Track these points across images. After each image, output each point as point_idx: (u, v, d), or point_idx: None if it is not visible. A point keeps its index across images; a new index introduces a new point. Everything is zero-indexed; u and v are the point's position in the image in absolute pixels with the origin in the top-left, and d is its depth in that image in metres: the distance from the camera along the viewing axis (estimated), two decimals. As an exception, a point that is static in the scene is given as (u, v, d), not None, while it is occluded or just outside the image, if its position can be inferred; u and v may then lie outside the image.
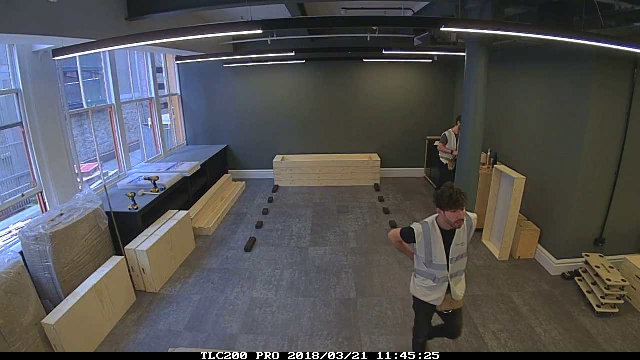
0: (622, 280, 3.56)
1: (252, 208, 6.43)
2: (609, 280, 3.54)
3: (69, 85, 6.17)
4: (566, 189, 4.15)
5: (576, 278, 4.06)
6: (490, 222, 5.06)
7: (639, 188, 4.05)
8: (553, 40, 2.72)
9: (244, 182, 7.64)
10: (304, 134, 8.03)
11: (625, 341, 3.30)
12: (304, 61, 7.43)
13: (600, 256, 3.96)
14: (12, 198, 3.74)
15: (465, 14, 3.28)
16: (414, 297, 2.75)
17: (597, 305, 3.61)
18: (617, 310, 3.59)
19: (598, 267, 3.75)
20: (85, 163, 7.48)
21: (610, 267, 3.75)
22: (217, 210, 6.16)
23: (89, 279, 3.49)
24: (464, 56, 3.68)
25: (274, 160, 7.71)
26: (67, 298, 3.21)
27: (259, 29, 2.55)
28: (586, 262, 3.95)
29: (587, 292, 3.81)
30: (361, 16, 4.88)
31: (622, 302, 3.59)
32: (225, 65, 7.51)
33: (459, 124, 5.20)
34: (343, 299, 4.00)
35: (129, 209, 4.35)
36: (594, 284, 3.75)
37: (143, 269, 4.00)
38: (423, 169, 8.29)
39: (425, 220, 2.54)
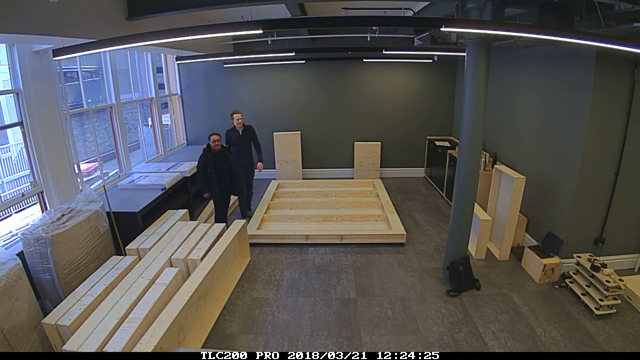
0: (620, 279, 3.54)
1: (252, 208, 6.42)
2: (608, 281, 3.51)
3: (69, 85, 6.18)
4: (566, 188, 4.16)
5: (567, 280, 4.00)
6: (490, 222, 5.05)
7: (639, 188, 4.05)
8: (553, 40, 2.72)
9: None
10: (303, 133, 8.02)
11: (625, 341, 3.30)
12: (304, 61, 7.42)
13: (590, 256, 3.92)
14: (12, 197, 3.75)
15: (465, 14, 3.27)
16: None
17: (596, 308, 3.57)
18: (614, 311, 3.58)
19: (592, 268, 3.69)
20: (85, 163, 7.48)
21: (603, 264, 3.71)
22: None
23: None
24: (464, 56, 3.68)
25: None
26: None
27: (259, 29, 2.55)
28: (578, 263, 3.91)
29: (582, 294, 3.76)
30: (361, 16, 4.88)
31: (619, 301, 3.57)
32: (225, 65, 7.51)
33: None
34: (343, 298, 4.00)
35: None
36: (589, 285, 3.71)
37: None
38: (423, 168, 8.29)
39: None
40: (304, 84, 7.84)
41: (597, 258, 3.82)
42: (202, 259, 3.84)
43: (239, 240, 4.62)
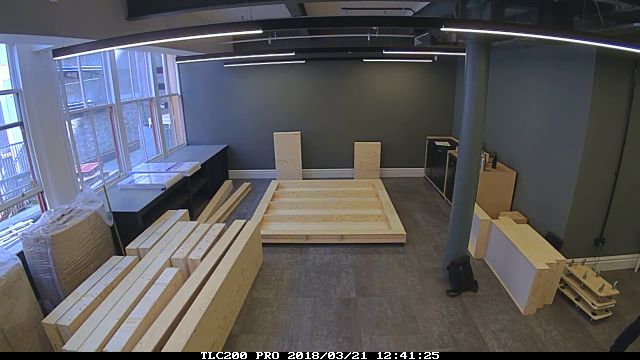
0: (612, 288, 3.48)
1: (252, 208, 6.43)
2: (600, 291, 3.44)
3: (69, 85, 6.18)
4: (566, 188, 4.15)
5: (559, 286, 3.89)
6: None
7: (639, 188, 4.05)
8: (553, 40, 2.72)
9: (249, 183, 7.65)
10: (303, 133, 8.03)
11: (625, 341, 3.29)
12: (304, 61, 7.43)
13: (582, 264, 3.89)
14: (12, 197, 3.75)
15: (465, 14, 3.27)
16: None
17: (593, 313, 3.52)
18: (610, 314, 3.55)
19: (584, 277, 3.64)
20: (85, 163, 7.48)
21: (593, 270, 3.67)
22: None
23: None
24: (464, 56, 3.68)
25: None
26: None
27: (259, 29, 2.55)
28: (569, 273, 3.85)
29: (576, 299, 3.70)
30: (361, 16, 4.88)
31: (613, 305, 3.53)
32: (225, 65, 7.51)
33: None
34: (343, 298, 4.00)
35: None
36: (583, 287, 3.66)
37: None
38: (423, 168, 8.29)
39: None
40: (304, 84, 7.84)
41: (590, 269, 3.77)
42: (202, 259, 3.84)
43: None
